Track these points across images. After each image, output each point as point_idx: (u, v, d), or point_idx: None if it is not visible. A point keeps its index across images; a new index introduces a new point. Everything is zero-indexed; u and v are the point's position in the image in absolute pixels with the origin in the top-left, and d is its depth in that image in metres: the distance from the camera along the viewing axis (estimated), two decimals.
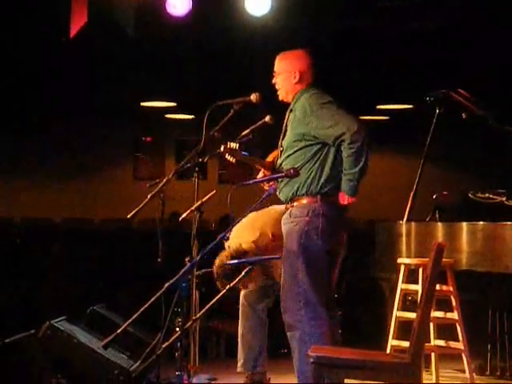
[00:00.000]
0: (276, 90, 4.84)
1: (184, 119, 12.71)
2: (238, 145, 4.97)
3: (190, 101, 10.61)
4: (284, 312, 4.63)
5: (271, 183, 4.82)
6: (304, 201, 4.62)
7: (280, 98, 4.84)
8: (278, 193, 4.76)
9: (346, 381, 4.56)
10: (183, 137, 12.76)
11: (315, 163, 4.62)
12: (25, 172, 12.99)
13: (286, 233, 4.68)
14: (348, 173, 4.56)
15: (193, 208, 5.15)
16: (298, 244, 4.56)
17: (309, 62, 4.79)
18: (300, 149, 4.65)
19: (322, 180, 4.61)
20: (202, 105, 5.19)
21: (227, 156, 4.90)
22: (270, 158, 4.88)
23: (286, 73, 4.76)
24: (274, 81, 4.83)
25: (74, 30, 6.49)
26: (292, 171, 4.37)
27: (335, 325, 4.69)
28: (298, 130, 4.66)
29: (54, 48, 8.33)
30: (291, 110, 4.77)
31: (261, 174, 4.87)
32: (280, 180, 4.68)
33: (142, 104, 11.67)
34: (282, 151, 4.76)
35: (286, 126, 4.79)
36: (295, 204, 4.65)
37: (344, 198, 4.60)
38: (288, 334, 4.63)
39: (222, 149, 4.83)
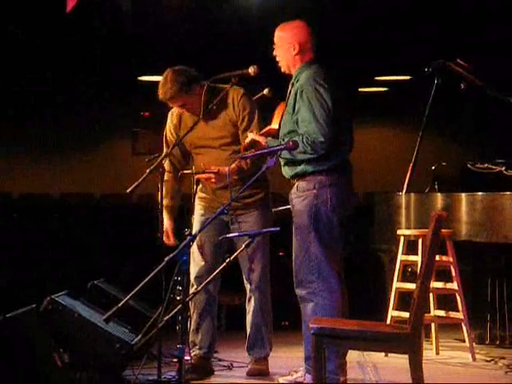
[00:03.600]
0: (277, 62, 4.80)
1: None
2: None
3: None
4: (297, 285, 4.62)
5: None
6: (310, 174, 4.60)
7: (282, 70, 4.77)
8: (282, 169, 4.74)
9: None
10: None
11: None
12: (23, 147, 12.96)
13: (295, 207, 4.65)
14: (291, 141, 4.47)
15: (188, 171, 5.10)
16: (309, 218, 4.55)
17: (308, 32, 4.72)
18: (290, 132, 4.61)
19: (320, 160, 4.56)
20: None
21: None
22: (275, 122, 4.82)
23: (286, 45, 4.69)
24: (274, 53, 4.77)
25: (70, 5, 6.45)
26: (291, 143, 4.35)
27: (344, 297, 4.69)
28: (290, 111, 4.63)
29: (51, 22, 8.28)
30: (293, 84, 4.73)
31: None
32: (281, 157, 4.65)
33: (140, 78, 11.63)
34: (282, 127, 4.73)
35: (289, 99, 4.76)
36: (301, 178, 4.63)
37: (262, 140, 4.57)
38: (301, 306, 4.64)
39: None
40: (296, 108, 4.59)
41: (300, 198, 4.62)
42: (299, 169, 4.60)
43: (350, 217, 4.75)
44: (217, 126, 5.07)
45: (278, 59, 4.76)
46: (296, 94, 4.61)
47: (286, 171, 4.69)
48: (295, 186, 4.67)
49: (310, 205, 4.56)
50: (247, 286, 5.21)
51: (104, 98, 12.57)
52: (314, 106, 4.51)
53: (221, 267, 4.16)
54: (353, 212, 4.78)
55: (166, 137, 5.31)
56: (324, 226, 4.55)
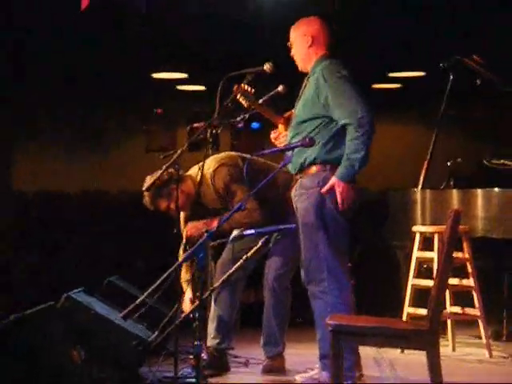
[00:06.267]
0: (294, 61, 4.79)
1: (196, 90, 12.68)
2: (253, 89, 4.91)
3: (202, 72, 10.59)
4: (308, 283, 4.62)
5: None
6: (313, 170, 4.57)
7: (299, 67, 4.78)
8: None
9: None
10: (195, 108, 12.76)
11: (321, 133, 4.55)
12: (38, 145, 13.00)
13: (300, 206, 4.64)
14: (350, 158, 4.41)
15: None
16: (316, 216, 4.52)
17: (321, 26, 4.73)
18: (310, 119, 4.59)
19: (329, 148, 4.54)
20: (214, 76, 5.18)
21: (239, 97, 4.85)
22: (287, 115, 4.85)
23: (300, 39, 4.71)
24: (291, 53, 4.78)
25: (84, 2, 6.47)
26: (308, 140, 4.34)
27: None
28: (312, 98, 4.60)
29: (65, 20, 8.29)
30: (308, 78, 4.73)
31: (281, 128, 4.87)
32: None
33: (153, 76, 11.65)
34: (294, 118, 4.72)
35: (302, 93, 4.75)
36: (304, 174, 4.63)
37: (338, 185, 4.42)
38: (312, 302, 4.64)
39: (234, 88, 4.80)
40: (319, 95, 4.54)
41: (304, 195, 4.60)
42: (303, 158, 4.57)
43: (363, 213, 4.74)
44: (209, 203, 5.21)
45: (294, 58, 4.77)
46: (316, 83, 4.58)
47: (294, 163, 4.66)
48: (298, 183, 4.65)
49: (316, 202, 4.53)
50: (264, 283, 5.24)
51: (117, 96, 12.59)
52: (341, 87, 4.49)
53: (238, 264, 4.17)
54: (366, 208, 4.77)
55: None
56: (330, 222, 4.53)
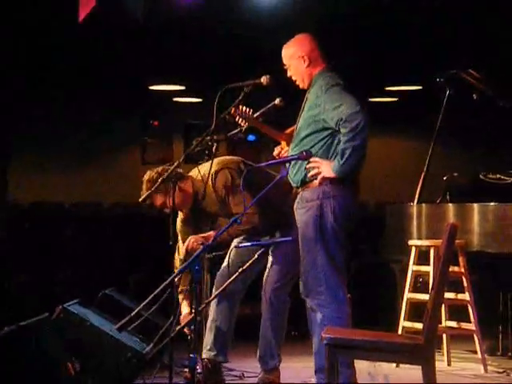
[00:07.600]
0: (294, 81, 4.78)
1: (192, 102, 12.70)
2: (250, 110, 4.90)
3: (199, 84, 10.61)
4: (306, 295, 4.61)
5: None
6: (314, 184, 4.57)
7: (301, 86, 4.77)
8: (289, 178, 4.74)
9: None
10: (191, 120, 12.76)
11: (322, 147, 4.57)
12: (33, 156, 12.98)
13: (300, 219, 4.64)
14: (341, 148, 4.43)
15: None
16: (314, 229, 4.52)
17: (313, 43, 4.73)
18: (310, 134, 4.60)
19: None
20: (211, 88, 5.18)
21: (238, 119, 4.84)
22: (288, 131, 4.85)
23: (295, 60, 4.70)
24: (288, 74, 4.76)
25: (82, 14, 6.47)
26: (305, 154, 4.35)
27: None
28: (311, 112, 4.62)
29: (62, 32, 8.30)
30: (309, 93, 4.74)
31: (283, 145, 4.87)
32: (293, 164, 4.64)
33: (150, 87, 11.66)
34: (296, 134, 4.73)
35: (303, 109, 4.76)
36: (306, 187, 4.63)
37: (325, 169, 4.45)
38: (310, 315, 4.63)
39: (232, 111, 4.79)
40: (319, 104, 4.55)
41: (304, 209, 4.60)
42: (305, 171, 4.58)
43: (360, 227, 4.74)
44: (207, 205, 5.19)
45: (293, 78, 4.76)
46: (315, 94, 4.60)
47: (297, 178, 4.67)
48: (299, 196, 4.66)
49: (315, 216, 4.54)
50: (262, 296, 5.23)
51: (113, 107, 12.59)
52: (335, 94, 4.51)
53: (233, 277, 4.16)
54: (363, 223, 4.77)
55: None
56: (329, 236, 4.53)
